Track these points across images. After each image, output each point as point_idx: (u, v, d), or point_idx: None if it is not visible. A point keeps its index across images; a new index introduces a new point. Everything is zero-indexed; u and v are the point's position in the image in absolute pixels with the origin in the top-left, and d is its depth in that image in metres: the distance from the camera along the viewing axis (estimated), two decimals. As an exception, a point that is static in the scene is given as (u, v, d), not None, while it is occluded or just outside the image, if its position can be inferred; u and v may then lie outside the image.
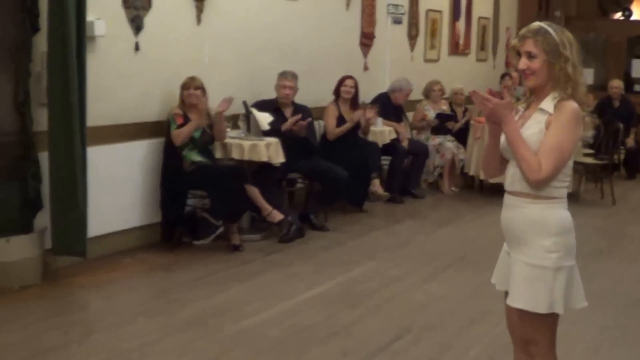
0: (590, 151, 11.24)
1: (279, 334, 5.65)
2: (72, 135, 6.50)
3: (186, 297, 6.39)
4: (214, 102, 7.86)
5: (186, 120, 7.59)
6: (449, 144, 11.17)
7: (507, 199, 3.80)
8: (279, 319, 5.95)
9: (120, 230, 7.55)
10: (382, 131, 10.19)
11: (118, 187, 7.43)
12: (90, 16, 6.81)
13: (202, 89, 7.72)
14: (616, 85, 13.13)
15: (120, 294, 6.55)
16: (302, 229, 8.39)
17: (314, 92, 9.70)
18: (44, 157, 6.60)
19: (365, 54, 11.44)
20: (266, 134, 8.26)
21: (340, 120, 9.48)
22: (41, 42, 6.51)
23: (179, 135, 7.53)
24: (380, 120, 10.12)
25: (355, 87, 9.62)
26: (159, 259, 7.48)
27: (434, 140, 11.25)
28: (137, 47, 7.58)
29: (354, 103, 9.60)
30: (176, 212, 7.76)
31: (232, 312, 6.04)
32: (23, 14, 6.43)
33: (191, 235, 8.01)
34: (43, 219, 6.71)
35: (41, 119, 6.58)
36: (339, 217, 9.41)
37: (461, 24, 14.11)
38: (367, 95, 10.48)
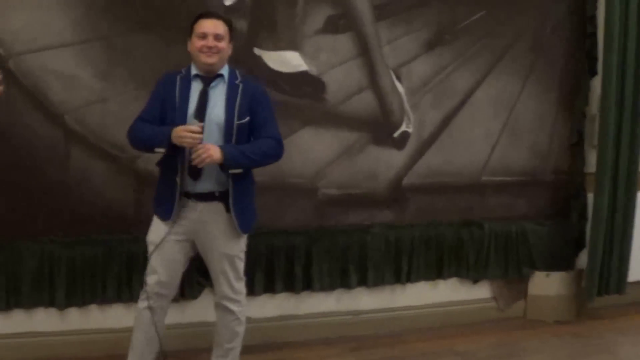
0: None
1: None
2: (622, 178, 6.05)
3: None
4: None
5: None
6: None
7: None
8: None
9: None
10: None
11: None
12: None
13: None
14: None
15: (652, 343, 5.90)
16: None
17: None
18: (591, 198, 6.18)
19: None
20: None
21: None
22: (597, 85, 6.12)
23: None
24: None
25: None
26: None
27: None
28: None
29: None
30: None
31: None
32: (582, 57, 6.11)
33: None
34: (584, 258, 6.30)
35: (592, 161, 6.19)
36: None
37: None
38: None
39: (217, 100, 4.08)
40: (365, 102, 5.37)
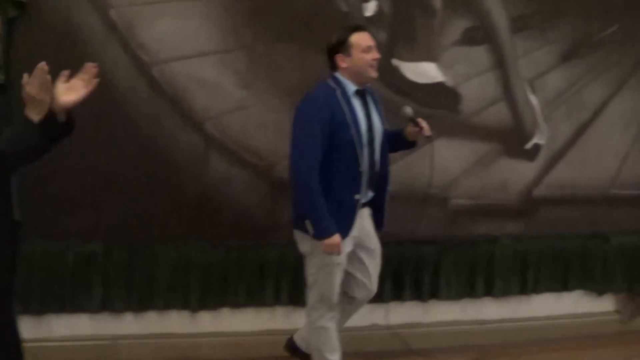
0: None
1: None
2: None
3: None
4: None
5: None
6: None
7: None
8: None
9: None
10: None
11: None
12: None
13: None
14: None
15: None
16: None
17: None
18: None
19: None
20: None
21: None
22: None
23: None
24: None
25: None
26: None
27: None
28: None
29: None
30: None
31: None
32: None
33: None
34: None
35: None
36: None
37: None
38: None
39: (372, 111, 3.90)
40: (499, 114, 5.05)
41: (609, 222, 5.51)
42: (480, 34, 4.92)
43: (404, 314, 5.04)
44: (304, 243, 3.92)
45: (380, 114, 3.95)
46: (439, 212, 4.97)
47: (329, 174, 3.76)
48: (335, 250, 3.77)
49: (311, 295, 4.02)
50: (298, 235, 3.94)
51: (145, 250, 4.50)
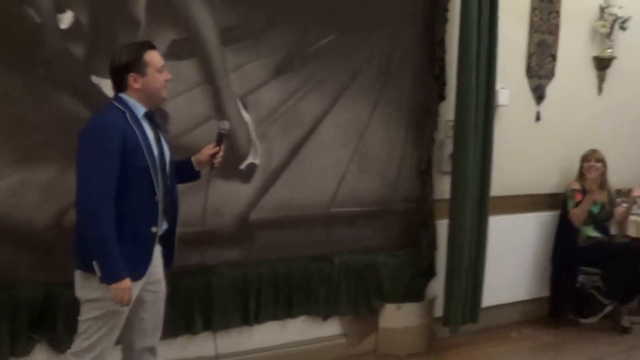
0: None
1: None
2: (474, 204, 6.10)
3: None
4: (615, 178, 7.15)
5: (584, 196, 6.91)
6: None
7: None
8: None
9: (507, 303, 6.97)
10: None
11: (510, 259, 6.86)
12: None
13: (603, 162, 7.03)
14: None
15: (502, 370, 5.93)
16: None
17: None
18: (440, 225, 6.22)
19: None
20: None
21: None
22: (445, 110, 6.16)
23: (577, 215, 6.89)
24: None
25: None
26: (544, 336, 6.82)
27: None
28: (538, 117, 7.03)
29: None
30: (566, 289, 7.09)
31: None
32: (431, 82, 6.10)
33: (576, 313, 7.27)
34: (434, 288, 6.32)
35: (440, 187, 6.23)
36: None
37: None
38: None
39: (161, 135, 3.92)
40: (210, 133, 5.05)
41: (331, 243, 5.80)
42: (187, 46, 4.98)
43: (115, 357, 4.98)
44: (87, 286, 3.76)
45: (167, 138, 3.97)
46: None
47: (121, 206, 3.68)
48: (125, 296, 3.65)
49: (78, 343, 3.84)
50: (79, 276, 3.80)
51: None
